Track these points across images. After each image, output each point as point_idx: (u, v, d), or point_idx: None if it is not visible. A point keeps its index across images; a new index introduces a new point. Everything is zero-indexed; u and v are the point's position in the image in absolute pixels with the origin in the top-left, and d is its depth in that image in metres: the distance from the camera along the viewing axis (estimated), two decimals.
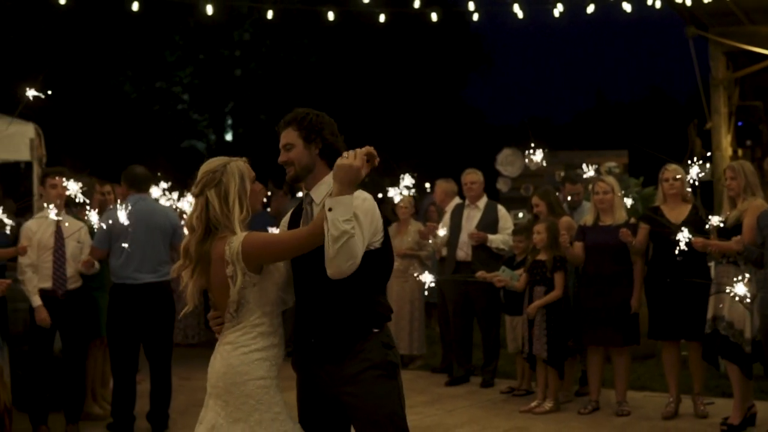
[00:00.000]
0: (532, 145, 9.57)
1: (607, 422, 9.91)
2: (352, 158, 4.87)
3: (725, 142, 15.67)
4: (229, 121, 33.45)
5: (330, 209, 4.79)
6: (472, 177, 12.21)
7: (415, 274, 12.14)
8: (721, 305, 9.42)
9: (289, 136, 5.30)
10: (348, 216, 4.81)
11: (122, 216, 9.23)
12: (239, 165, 5.21)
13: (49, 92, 7.26)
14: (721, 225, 9.43)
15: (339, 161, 4.88)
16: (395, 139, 30.82)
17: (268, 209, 14.88)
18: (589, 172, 10.35)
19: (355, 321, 5.15)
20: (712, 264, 9.99)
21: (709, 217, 9.66)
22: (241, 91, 32.19)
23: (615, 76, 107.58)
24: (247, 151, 19.91)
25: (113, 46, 29.47)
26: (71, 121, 26.41)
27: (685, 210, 10.05)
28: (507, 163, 20.22)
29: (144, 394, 10.15)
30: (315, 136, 5.29)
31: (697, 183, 9.77)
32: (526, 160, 14.47)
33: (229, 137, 33.53)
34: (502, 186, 20.58)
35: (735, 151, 15.77)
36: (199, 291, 5.21)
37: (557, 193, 11.96)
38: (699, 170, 9.60)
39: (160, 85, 31.71)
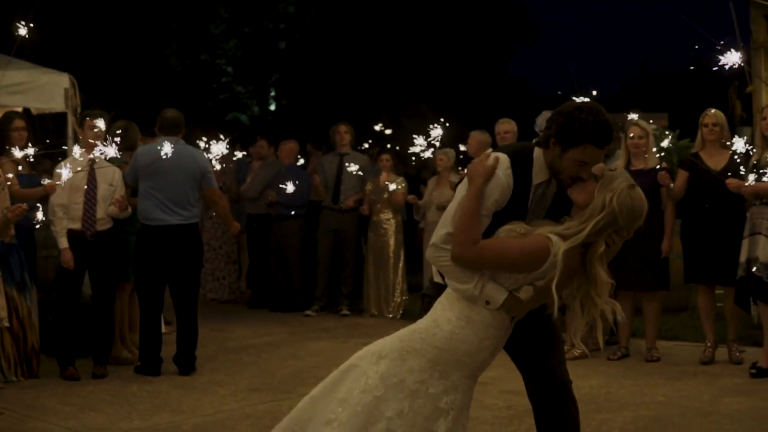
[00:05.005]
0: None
1: (636, 367, 9.86)
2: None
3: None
4: (273, 93, 33.41)
5: None
6: (506, 126, 12.03)
7: None
8: (755, 247, 9.36)
9: None
10: None
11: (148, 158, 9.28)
12: None
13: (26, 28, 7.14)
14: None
15: None
16: (438, 109, 30.66)
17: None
18: (632, 116, 10.17)
19: None
20: None
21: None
22: (285, 63, 32.14)
23: (660, 47, 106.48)
24: (290, 121, 19.83)
25: (159, 20, 29.52)
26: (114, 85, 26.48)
27: (724, 157, 9.96)
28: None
29: (173, 343, 10.15)
30: None
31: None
32: None
33: (272, 108, 33.50)
34: None
35: None
36: None
37: None
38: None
39: (204, 58, 31.71)
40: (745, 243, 9.50)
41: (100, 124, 9.41)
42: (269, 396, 8.95)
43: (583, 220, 4.71)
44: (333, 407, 4.76)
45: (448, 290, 4.89)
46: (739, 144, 9.11)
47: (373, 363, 4.79)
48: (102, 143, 9.54)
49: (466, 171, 4.87)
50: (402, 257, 14.03)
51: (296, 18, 31.58)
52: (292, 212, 14.19)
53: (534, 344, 5.15)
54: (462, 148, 13.73)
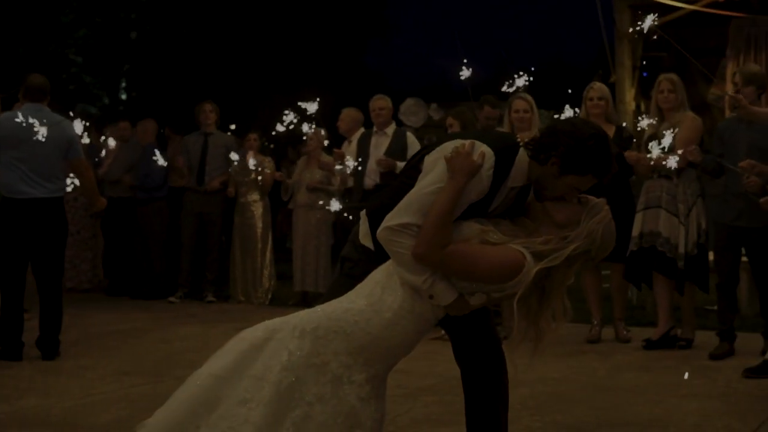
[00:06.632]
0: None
1: (523, 347, 9.61)
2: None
3: (629, 95, 15.54)
4: (123, 84, 32.71)
5: None
6: (381, 103, 11.73)
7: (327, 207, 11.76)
8: (656, 220, 9.33)
9: None
10: None
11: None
12: None
13: None
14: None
15: None
16: (294, 101, 30.34)
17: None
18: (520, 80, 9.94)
19: None
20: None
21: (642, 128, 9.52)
22: (137, 53, 31.49)
23: (517, 43, 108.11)
24: (143, 110, 19.15)
25: (7, 9, 28.63)
26: None
27: (609, 131, 9.77)
28: (410, 113, 19.88)
29: (32, 329, 9.57)
30: None
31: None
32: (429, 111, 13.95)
33: (123, 98, 32.79)
34: None
35: (638, 105, 15.64)
36: None
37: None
38: None
39: (53, 48, 30.86)
40: (638, 216, 9.42)
41: None
42: (141, 379, 8.47)
43: (565, 242, 4.43)
44: (247, 385, 4.27)
45: (388, 269, 4.48)
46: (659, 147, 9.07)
47: (296, 337, 4.31)
48: None
49: (446, 158, 4.39)
50: (270, 241, 13.65)
51: (148, 7, 30.98)
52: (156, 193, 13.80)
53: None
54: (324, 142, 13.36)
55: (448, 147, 4.47)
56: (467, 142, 4.44)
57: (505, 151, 4.50)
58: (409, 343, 4.49)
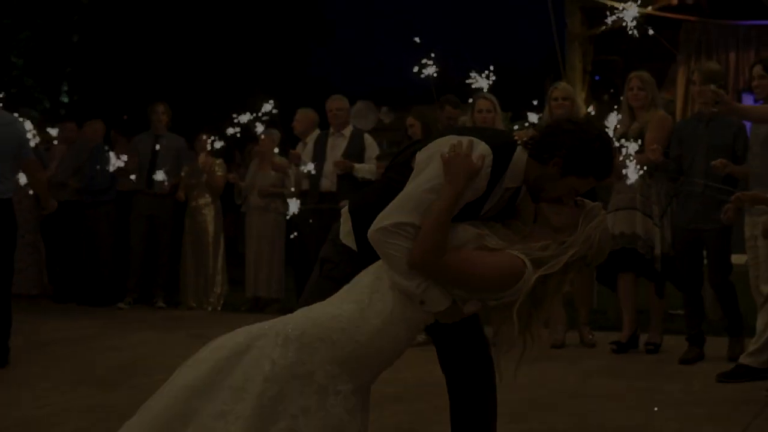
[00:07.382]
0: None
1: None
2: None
3: (579, 98, 15.47)
4: (65, 88, 32.31)
5: None
6: (338, 103, 11.55)
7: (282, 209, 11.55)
8: (631, 222, 9.29)
9: None
10: None
11: None
12: None
13: None
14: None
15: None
16: (244, 103, 30.13)
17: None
18: (482, 81, 9.75)
19: None
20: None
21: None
22: (79, 55, 31.13)
23: (465, 45, 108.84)
24: (86, 113, 18.74)
25: None
26: None
27: None
28: (360, 116, 19.59)
29: None
30: None
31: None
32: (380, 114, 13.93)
33: (65, 101, 32.42)
34: None
35: (588, 107, 15.62)
36: None
37: None
38: None
39: None
40: (609, 218, 9.26)
41: None
42: (95, 389, 8.14)
43: (563, 247, 4.21)
44: (225, 397, 3.96)
45: (377, 272, 4.21)
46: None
47: (279, 345, 4.01)
48: None
49: (443, 159, 4.13)
50: (222, 244, 13.36)
51: (90, 9, 30.64)
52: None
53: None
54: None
55: (442, 143, 4.22)
56: (464, 140, 4.20)
57: (502, 148, 4.27)
58: (397, 351, 4.25)
